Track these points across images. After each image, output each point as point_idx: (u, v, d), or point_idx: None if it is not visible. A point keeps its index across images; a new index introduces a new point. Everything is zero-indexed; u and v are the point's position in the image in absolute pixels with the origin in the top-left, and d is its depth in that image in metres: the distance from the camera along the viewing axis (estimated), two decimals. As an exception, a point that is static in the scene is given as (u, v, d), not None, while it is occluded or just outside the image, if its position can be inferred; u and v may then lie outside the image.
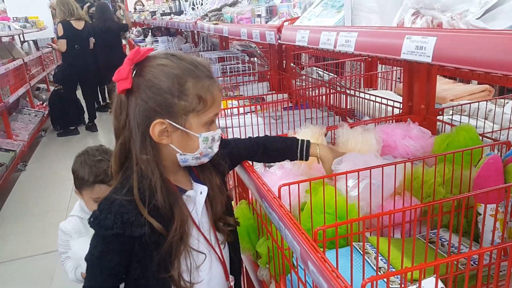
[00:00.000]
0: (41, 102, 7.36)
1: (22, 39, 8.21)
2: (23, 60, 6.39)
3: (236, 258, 1.25)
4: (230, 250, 1.22)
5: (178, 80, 1.00)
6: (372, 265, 1.08)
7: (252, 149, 1.32)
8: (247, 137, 1.38)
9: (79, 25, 6.02)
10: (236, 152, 1.30)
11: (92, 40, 6.33)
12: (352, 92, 2.23)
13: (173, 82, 1.00)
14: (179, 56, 1.05)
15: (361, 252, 1.13)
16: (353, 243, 1.09)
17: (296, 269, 0.99)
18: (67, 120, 6.41)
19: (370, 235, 1.20)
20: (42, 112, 6.66)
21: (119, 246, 1.03)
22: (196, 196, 1.13)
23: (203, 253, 1.11)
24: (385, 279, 0.74)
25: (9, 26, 6.72)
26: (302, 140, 1.33)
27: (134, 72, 1.01)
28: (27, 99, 6.92)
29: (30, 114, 6.46)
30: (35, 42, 8.26)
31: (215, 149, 1.10)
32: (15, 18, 8.24)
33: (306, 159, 1.31)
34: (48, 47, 8.52)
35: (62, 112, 6.40)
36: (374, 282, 0.83)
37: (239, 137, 1.47)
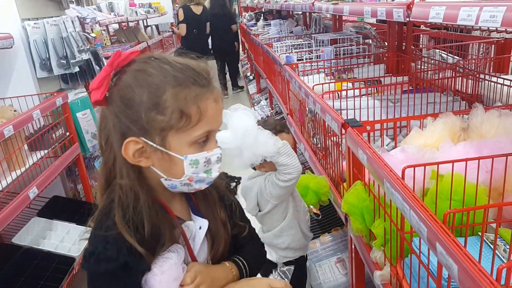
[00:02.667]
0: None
1: (145, 24, 8.99)
2: (147, 43, 7.01)
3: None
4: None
5: (153, 90, 0.83)
6: (502, 258, 1.02)
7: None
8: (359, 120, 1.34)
9: (198, 10, 6.39)
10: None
11: (208, 24, 6.70)
12: (482, 76, 2.05)
13: (147, 92, 0.83)
14: (163, 60, 0.87)
15: (489, 244, 1.07)
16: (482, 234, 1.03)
17: (417, 253, 0.98)
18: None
19: (500, 227, 1.12)
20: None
21: (129, 278, 0.86)
22: (195, 231, 0.98)
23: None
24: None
25: (136, 12, 7.42)
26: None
27: (115, 79, 0.86)
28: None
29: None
30: (156, 26, 8.98)
31: (214, 173, 0.91)
32: (140, 4, 9.04)
33: None
34: (169, 31, 9.20)
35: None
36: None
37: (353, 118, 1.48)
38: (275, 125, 1.79)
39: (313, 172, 2.09)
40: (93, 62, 3.45)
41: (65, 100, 2.84)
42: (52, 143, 2.66)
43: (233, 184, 1.10)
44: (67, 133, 2.91)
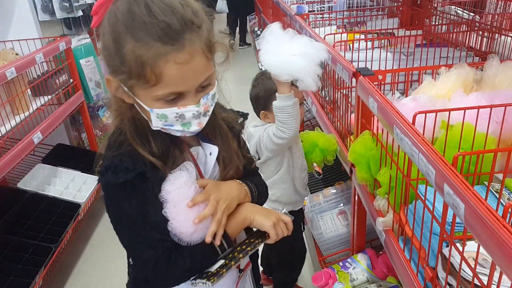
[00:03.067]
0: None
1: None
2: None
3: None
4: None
5: (116, 38, 0.79)
6: (507, 207, 1.01)
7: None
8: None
9: None
10: None
11: None
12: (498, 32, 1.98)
13: (112, 39, 0.80)
14: (126, 5, 0.79)
15: (495, 193, 1.06)
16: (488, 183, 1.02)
17: (423, 198, 0.97)
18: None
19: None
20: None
21: (151, 189, 0.87)
22: (206, 157, 0.98)
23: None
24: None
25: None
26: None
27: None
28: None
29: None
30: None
31: (194, 127, 0.87)
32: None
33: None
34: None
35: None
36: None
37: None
38: None
39: (322, 130, 2.07)
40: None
41: (68, 45, 2.79)
42: (55, 89, 2.64)
43: (241, 119, 1.09)
44: (71, 80, 2.88)
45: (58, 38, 2.77)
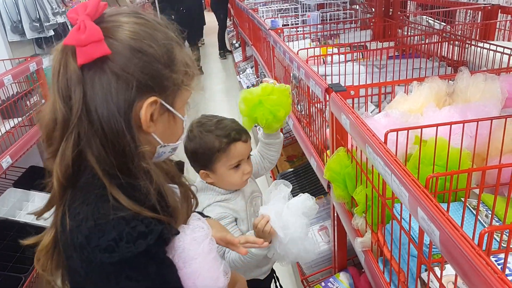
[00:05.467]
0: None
1: (128, -11, 8.66)
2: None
3: None
4: None
5: (166, 45, 0.76)
6: (484, 223, 1.00)
7: None
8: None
9: None
10: None
11: None
12: (468, 42, 2.00)
13: (162, 47, 0.75)
14: (148, 16, 0.79)
15: (472, 210, 1.05)
16: (464, 199, 1.00)
17: (399, 219, 0.95)
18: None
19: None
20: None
21: (164, 251, 0.77)
22: None
23: None
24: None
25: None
26: None
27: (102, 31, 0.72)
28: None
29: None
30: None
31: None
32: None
33: None
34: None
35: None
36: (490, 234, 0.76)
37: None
38: (230, 130, 1.39)
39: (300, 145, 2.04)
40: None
41: (39, 66, 2.71)
42: (26, 111, 2.56)
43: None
44: (43, 101, 2.79)
45: (29, 59, 2.69)
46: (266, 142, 1.60)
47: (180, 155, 1.38)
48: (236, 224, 1.45)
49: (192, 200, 0.92)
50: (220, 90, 6.28)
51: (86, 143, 0.71)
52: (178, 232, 0.80)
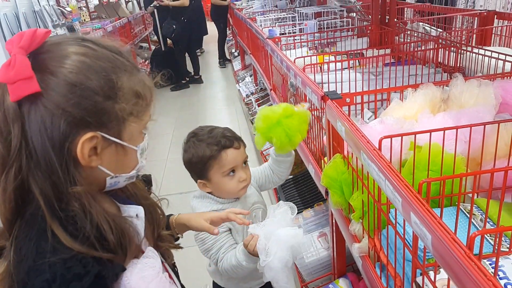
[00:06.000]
0: (143, 60, 7.87)
1: (126, -1, 8.74)
2: (128, 19, 6.82)
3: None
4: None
5: (108, 76, 0.72)
6: (478, 227, 1.01)
7: None
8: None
9: None
10: None
11: None
12: (464, 48, 2.02)
13: (103, 79, 0.72)
14: (95, 42, 0.76)
15: (466, 214, 1.06)
16: (458, 203, 1.02)
17: (394, 224, 0.96)
18: (179, 75, 6.68)
19: (478, 197, 1.11)
20: (145, 69, 7.13)
21: None
22: (135, 221, 0.86)
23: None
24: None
25: (117, -14, 7.19)
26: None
27: (36, 66, 0.68)
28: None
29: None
30: (138, 1, 8.73)
31: (144, 162, 0.85)
32: (120, -23, 8.75)
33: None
34: (155, 6, 8.96)
35: (163, 68, 6.82)
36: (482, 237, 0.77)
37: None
38: (220, 137, 1.42)
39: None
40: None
41: (40, 77, 2.74)
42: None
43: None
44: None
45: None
46: (276, 159, 1.58)
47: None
48: (231, 234, 1.46)
49: (160, 216, 0.95)
50: (220, 98, 6.32)
51: (30, 175, 0.71)
52: (123, 269, 0.78)
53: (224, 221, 1.24)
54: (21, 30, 2.77)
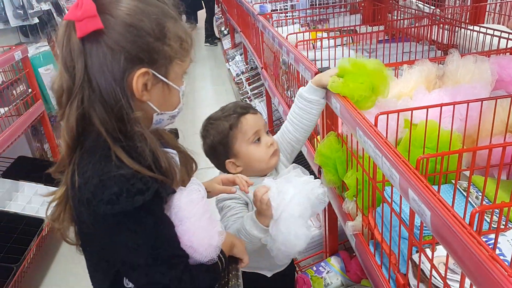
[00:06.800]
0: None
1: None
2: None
3: None
4: None
5: (158, 20, 0.82)
6: (474, 205, 1.00)
7: None
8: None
9: None
10: None
11: None
12: (458, 25, 2.00)
13: (154, 22, 0.81)
14: None
15: (462, 192, 1.05)
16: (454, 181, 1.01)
17: (389, 202, 0.95)
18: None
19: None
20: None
21: (161, 207, 0.84)
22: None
23: None
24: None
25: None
26: None
27: (98, 8, 0.78)
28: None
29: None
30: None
31: (181, 106, 0.93)
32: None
33: None
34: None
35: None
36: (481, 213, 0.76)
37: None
38: (234, 108, 1.37)
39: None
40: (55, 14, 3.22)
41: (24, 54, 2.65)
42: (13, 100, 2.51)
43: None
44: (29, 90, 2.74)
45: (14, 47, 2.63)
46: (309, 98, 1.33)
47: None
48: (247, 209, 1.32)
49: (193, 164, 0.99)
50: (209, 77, 6.23)
51: (91, 107, 0.79)
52: (174, 191, 0.87)
53: (231, 182, 1.21)
54: (3, 4, 2.66)
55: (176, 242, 0.86)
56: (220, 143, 1.35)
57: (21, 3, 2.76)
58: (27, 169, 2.80)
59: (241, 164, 1.36)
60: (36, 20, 2.93)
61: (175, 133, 1.05)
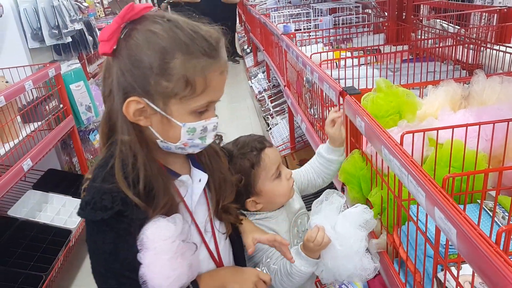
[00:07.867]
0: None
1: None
2: (144, 16, 6.85)
3: (240, 257, 1.14)
4: (234, 247, 1.12)
5: (163, 55, 0.82)
6: (500, 225, 1.00)
7: None
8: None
9: None
10: None
11: None
12: (484, 45, 2.00)
13: (156, 56, 0.82)
14: (176, 23, 0.85)
15: (488, 211, 1.05)
16: (480, 201, 1.01)
17: (415, 220, 0.96)
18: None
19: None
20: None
21: (127, 227, 0.87)
22: (193, 184, 0.99)
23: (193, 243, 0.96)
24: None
25: (132, -17, 7.22)
26: None
27: (124, 33, 0.84)
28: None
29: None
30: (153, -2, 8.74)
31: (209, 140, 0.93)
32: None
33: None
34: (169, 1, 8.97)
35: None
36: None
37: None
38: (251, 142, 1.28)
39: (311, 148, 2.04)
40: (86, 33, 3.37)
41: (57, 71, 2.78)
42: (45, 115, 2.62)
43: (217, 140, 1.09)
44: (61, 105, 2.86)
45: (48, 65, 2.76)
46: (327, 158, 1.43)
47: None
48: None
49: (229, 191, 1.06)
50: (231, 94, 6.32)
51: (116, 114, 0.89)
52: (144, 218, 0.89)
53: (268, 243, 1.16)
54: (40, 25, 2.80)
55: (131, 264, 0.88)
56: (241, 182, 1.22)
57: (57, 23, 2.90)
58: (57, 182, 2.91)
59: (262, 202, 1.30)
60: (69, 39, 3.06)
61: (219, 137, 1.08)
